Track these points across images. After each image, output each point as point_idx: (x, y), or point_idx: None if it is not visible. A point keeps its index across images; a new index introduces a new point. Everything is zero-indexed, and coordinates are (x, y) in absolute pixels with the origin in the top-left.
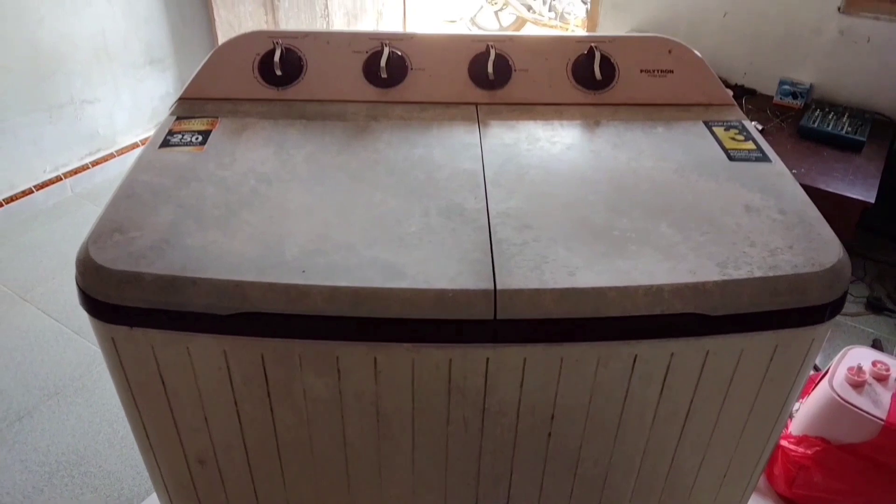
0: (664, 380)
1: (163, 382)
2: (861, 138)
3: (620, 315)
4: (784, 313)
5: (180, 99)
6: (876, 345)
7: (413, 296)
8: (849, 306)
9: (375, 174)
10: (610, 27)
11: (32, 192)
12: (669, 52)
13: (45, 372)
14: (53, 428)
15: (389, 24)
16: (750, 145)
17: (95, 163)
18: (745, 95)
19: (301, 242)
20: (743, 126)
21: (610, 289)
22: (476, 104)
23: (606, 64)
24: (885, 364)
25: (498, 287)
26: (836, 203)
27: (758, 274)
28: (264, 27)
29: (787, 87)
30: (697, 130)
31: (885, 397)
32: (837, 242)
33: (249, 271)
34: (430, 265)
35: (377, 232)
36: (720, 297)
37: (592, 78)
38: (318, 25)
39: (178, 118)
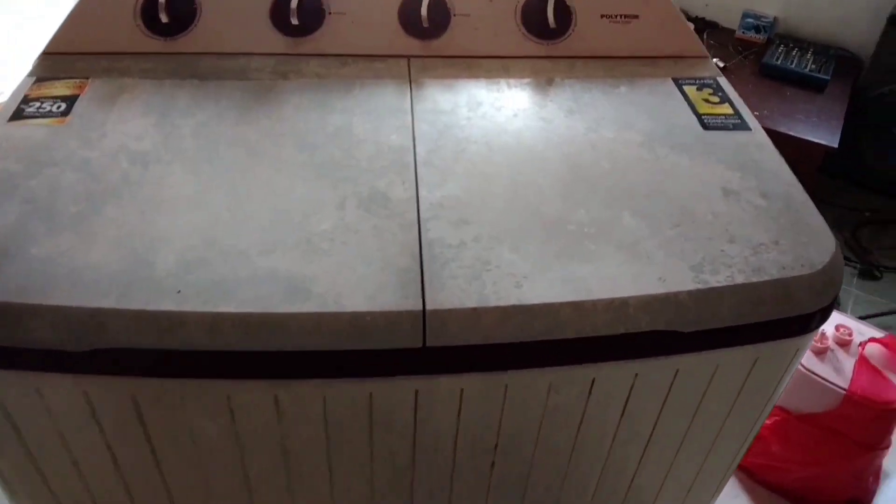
0: (626, 402)
1: (14, 427)
2: (825, 77)
3: (576, 337)
4: (768, 325)
5: (43, 54)
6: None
7: (319, 321)
8: None
9: (280, 150)
10: None
11: None
12: None
13: None
14: None
15: None
16: (726, 109)
17: None
18: (706, 29)
19: (179, 249)
20: (718, 85)
21: (564, 305)
22: (408, 57)
23: (562, 7)
24: (848, 328)
25: (428, 307)
26: (799, 148)
27: (739, 279)
28: None
29: (750, 20)
30: (666, 90)
31: (848, 364)
32: (829, 234)
33: (109, 293)
34: (344, 277)
35: (278, 231)
36: (695, 311)
37: (546, 25)
38: None
39: (38, 80)
